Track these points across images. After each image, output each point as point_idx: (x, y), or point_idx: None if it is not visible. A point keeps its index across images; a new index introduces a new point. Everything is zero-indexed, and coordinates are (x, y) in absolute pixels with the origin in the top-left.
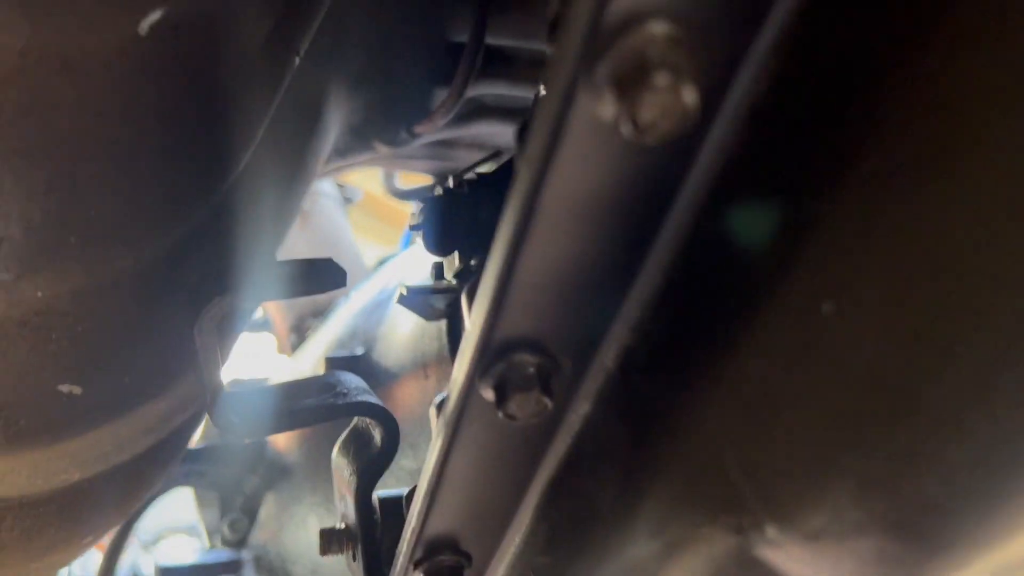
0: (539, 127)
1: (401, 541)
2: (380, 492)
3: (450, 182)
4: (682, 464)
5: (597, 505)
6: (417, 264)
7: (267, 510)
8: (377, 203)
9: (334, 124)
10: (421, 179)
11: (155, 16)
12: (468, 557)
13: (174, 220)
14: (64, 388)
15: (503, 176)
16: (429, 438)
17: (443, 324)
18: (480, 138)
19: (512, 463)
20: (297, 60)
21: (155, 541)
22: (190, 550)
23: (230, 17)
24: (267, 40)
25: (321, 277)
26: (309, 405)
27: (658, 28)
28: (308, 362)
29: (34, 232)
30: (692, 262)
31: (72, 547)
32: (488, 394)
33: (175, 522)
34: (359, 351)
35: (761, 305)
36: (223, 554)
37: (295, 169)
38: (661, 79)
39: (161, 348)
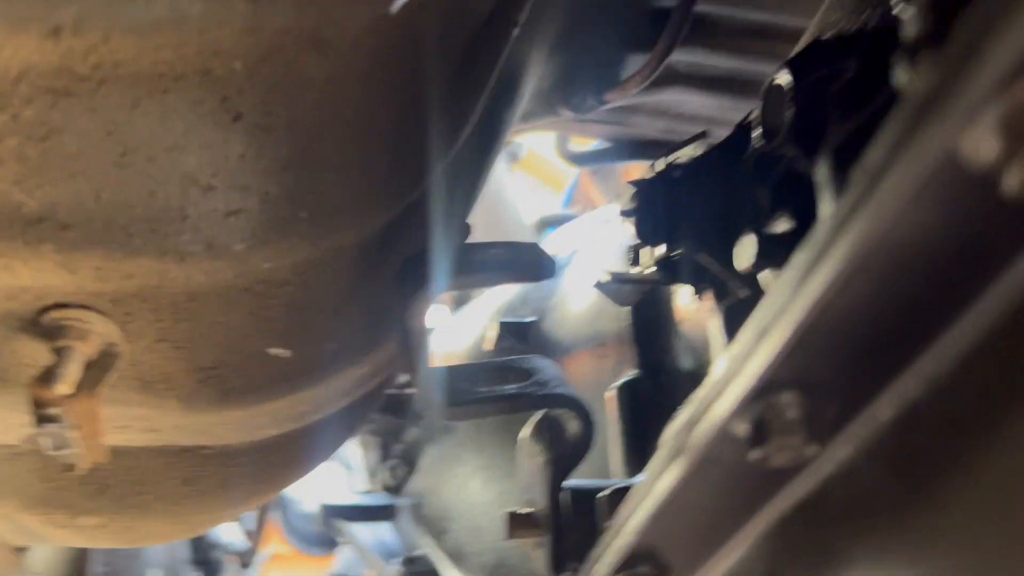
0: (891, 163)
1: (600, 544)
2: (570, 482)
3: (661, 164)
4: (972, 530)
5: (837, 555)
6: (589, 235)
7: (427, 462)
8: (536, 161)
9: (528, 91)
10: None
11: None
12: (668, 569)
13: (398, 198)
14: (274, 352)
15: (715, 161)
16: (599, 417)
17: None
18: (663, 105)
19: (745, 498)
20: (515, 31)
21: None
22: (342, 484)
23: None
24: (492, 13)
25: (527, 265)
26: (510, 392)
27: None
28: (476, 321)
29: (269, 206)
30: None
31: (261, 496)
32: (741, 430)
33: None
34: (530, 318)
35: None
36: (382, 498)
37: (496, 140)
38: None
39: (366, 319)
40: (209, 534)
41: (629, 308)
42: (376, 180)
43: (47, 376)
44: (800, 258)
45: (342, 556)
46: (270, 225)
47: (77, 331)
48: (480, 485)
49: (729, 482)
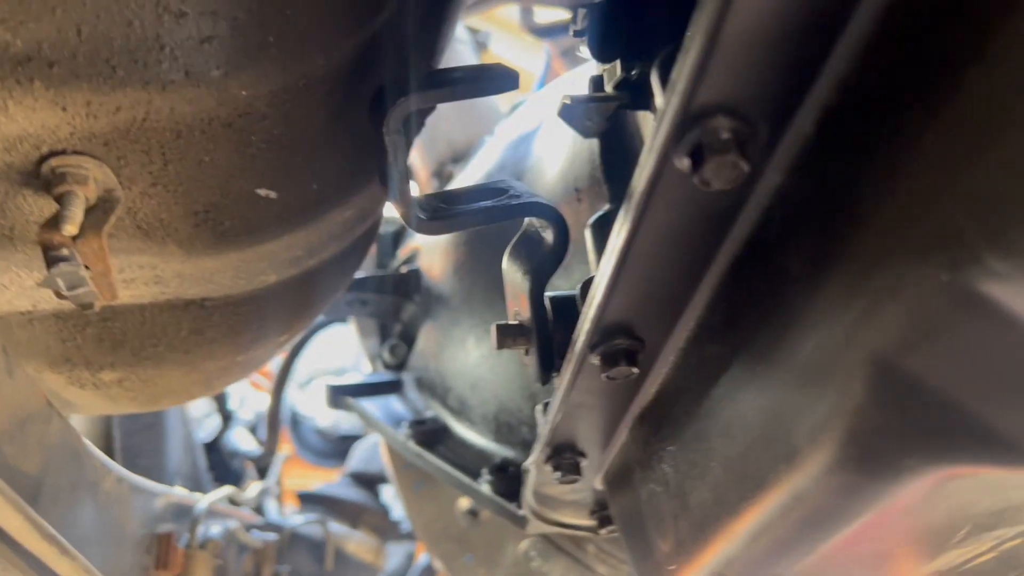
0: None
1: (577, 328)
2: (551, 293)
3: None
4: (888, 210)
5: (783, 281)
6: (552, 102)
7: (425, 335)
8: (508, 47)
9: None
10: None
11: None
12: (642, 341)
13: (358, 25)
14: (261, 192)
15: None
16: (583, 261)
17: (595, 145)
18: None
19: (697, 239)
20: None
21: (307, 382)
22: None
23: None
24: None
25: (493, 80)
26: (486, 206)
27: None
28: None
29: (239, 31)
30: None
31: (270, 343)
32: (683, 163)
33: (324, 366)
34: None
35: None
36: (385, 375)
37: None
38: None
39: (345, 157)
40: (226, 443)
41: (598, 148)
42: (338, 6)
43: (53, 221)
44: None
45: (356, 454)
46: (242, 50)
47: (75, 176)
48: (475, 343)
49: (680, 222)
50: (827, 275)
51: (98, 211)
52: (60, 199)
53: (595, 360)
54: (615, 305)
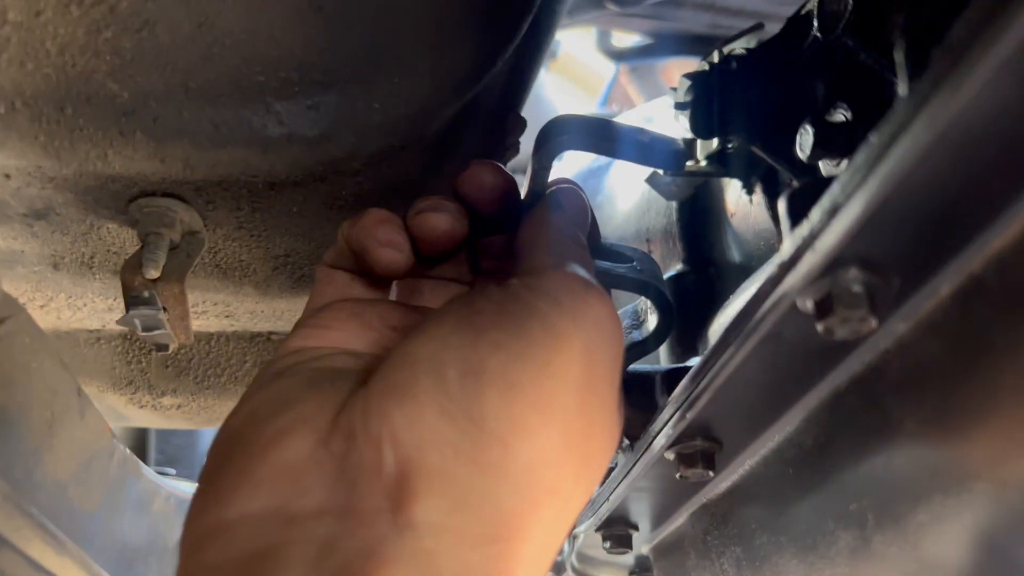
0: (974, 41)
1: (656, 422)
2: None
3: (715, 57)
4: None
5: (892, 425)
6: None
7: None
8: (571, 62)
9: None
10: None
11: None
12: (720, 443)
13: (462, 91)
14: None
15: (771, 53)
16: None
17: (674, 202)
18: None
19: (803, 370)
20: None
21: None
22: None
23: None
24: None
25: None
26: (606, 267)
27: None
28: None
29: (346, 97)
30: None
31: None
32: (807, 306)
33: None
34: None
35: None
36: None
37: (550, 32)
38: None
39: None
40: None
41: (676, 203)
42: (443, 72)
43: (136, 261)
44: (876, 137)
45: None
46: (348, 116)
47: (163, 218)
48: None
49: (789, 358)
50: (946, 443)
51: (181, 254)
52: (145, 239)
53: (670, 456)
54: (705, 412)
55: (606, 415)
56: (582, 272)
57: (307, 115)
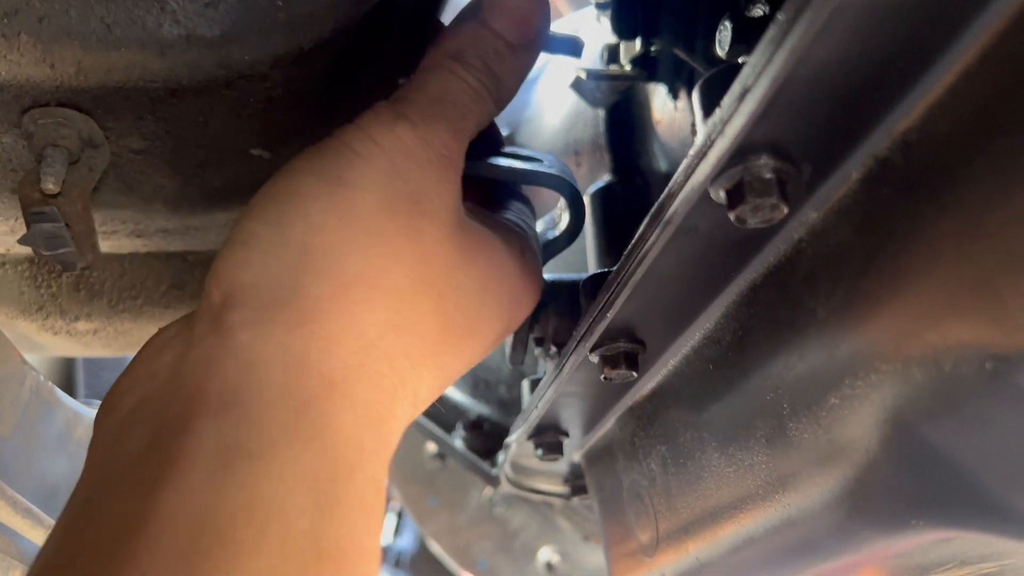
0: None
1: (580, 325)
2: (550, 275)
3: None
4: (936, 275)
5: (805, 318)
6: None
7: None
8: None
9: None
10: None
11: None
12: (643, 344)
13: None
14: (255, 152)
15: None
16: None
17: (600, 111)
18: None
19: (719, 261)
20: None
21: None
22: None
23: None
24: None
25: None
26: (524, 168)
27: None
28: None
29: None
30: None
31: None
32: (719, 195)
33: None
34: (504, 132)
35: None
36: None
37: None
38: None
39: (347, 120)
40: None
41: (603, 113)
42: None
43: (35, 176)
44: (782, 14)
45: None
46: (248, 15)
47: (59, 130)
48: None
49: (705, 252)
50: (855, 327)
51: (83, 167)
52: (42, 153)
53: (595, 359)
54: (625, 310)
55: (439, 226)
56: (401, 107)
57: (205, 13)
